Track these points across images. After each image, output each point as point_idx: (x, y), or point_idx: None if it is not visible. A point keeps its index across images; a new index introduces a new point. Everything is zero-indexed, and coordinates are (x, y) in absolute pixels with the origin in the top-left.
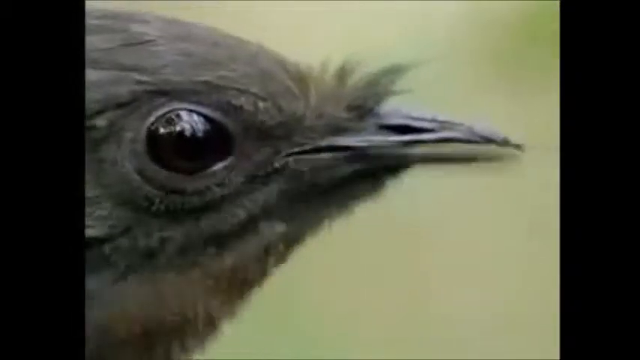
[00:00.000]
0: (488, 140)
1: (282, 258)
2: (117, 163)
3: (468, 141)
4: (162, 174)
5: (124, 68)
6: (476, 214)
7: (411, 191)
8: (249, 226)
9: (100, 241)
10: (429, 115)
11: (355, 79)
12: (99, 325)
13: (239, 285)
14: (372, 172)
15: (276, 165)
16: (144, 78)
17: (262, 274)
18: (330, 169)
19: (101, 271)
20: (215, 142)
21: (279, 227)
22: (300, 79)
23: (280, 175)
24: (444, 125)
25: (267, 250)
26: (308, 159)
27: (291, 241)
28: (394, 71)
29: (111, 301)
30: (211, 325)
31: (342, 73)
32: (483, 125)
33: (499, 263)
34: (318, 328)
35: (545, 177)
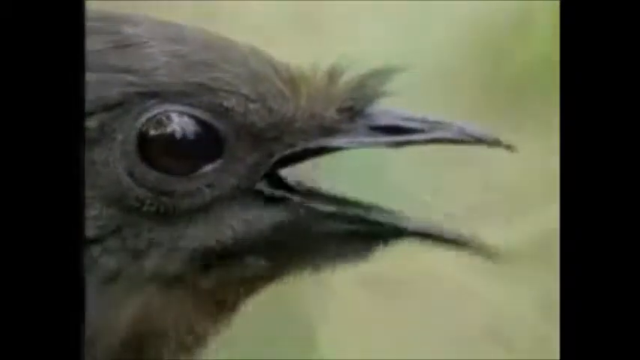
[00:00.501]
0: (479, 140)
1: (255, 291)
2: (108, 164)
3: (458, 141)
4: (152, 175)
5: (115, 70)
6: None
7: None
8: (235, 253)
9: (90, 241)
10: (419, 116)
11: (346, 80)
12: (89, 327)
13: (217, 305)
14: (366, 236)
15: (273, 194)
16: (135, 80)
17: (236, 301)
18: (326, 221)
19: (90, 273)
20: (205, 144)
21: (263, 263)
22: (291, 80)
23: (275, 205)
24: (435, 126)
25: (244, 281)
26: (310, 207)
27: (270, 278)
28: (384, 73)
29: (100, 303)
30: (197, 339)
31: (333, 74)
32: (474, 125)
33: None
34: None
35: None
